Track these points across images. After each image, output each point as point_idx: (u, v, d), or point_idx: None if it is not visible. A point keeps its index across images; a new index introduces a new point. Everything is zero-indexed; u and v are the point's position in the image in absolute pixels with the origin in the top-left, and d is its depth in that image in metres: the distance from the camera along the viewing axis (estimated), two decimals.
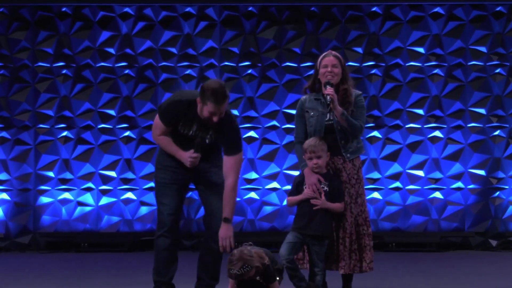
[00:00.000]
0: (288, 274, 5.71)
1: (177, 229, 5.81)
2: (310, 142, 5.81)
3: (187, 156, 5.62)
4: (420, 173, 10.77)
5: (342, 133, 5.91)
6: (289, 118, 10.69)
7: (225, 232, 5.54)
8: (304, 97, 6.09)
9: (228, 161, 5.60)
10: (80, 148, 10.90)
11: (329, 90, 5.82)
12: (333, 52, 6.05)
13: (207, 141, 5.63)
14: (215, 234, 5.60)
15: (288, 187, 9.97)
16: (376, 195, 10.75)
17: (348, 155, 5.93)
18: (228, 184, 5.57)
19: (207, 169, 5.73)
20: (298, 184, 5.92)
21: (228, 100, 5.44)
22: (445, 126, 10.80)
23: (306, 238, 5.80)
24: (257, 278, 5.32)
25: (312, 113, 5.96)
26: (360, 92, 6.08)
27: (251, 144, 10.85)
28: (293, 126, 6.21)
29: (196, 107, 5.49)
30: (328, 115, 5.93)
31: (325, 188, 5.81)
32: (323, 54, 6.04)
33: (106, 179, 10.87)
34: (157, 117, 5.69)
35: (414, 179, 10.77)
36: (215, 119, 5.42)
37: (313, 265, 5.82)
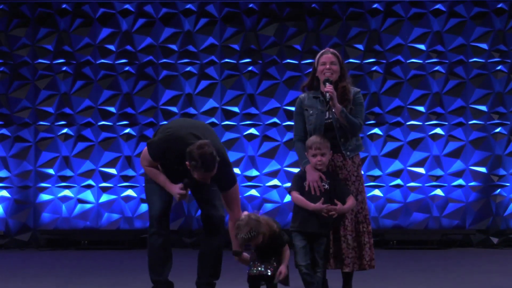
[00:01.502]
0: (304, 280, 5.67)
1: (167, 225, 5.78)
2: (314, 139, 5.77)
3: (176, 191, 5.52)
4: (421, 170, 10.75)
5: (341, 131, 5.88)
6: (289, 115, 10.66)
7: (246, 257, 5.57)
8: (302, 95, 6.05)
9: (226, 196, 5.55)
10: (80, 145, 10.89)
11: (328, 87, 5.79)
12: (331, 50, 6.02)
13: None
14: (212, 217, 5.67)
15: (289, 184, 9.94)
16: (377, 192, 10.73)
17: (348, 152, 5.90)
18: (235, 217, 5.50)
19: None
20: (300, 179, 5.87)
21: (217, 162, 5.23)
22: (446, 123, 10.78)
23: (306, 236, 5.78)
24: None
25: (311, 111, 5.93)
26: (359, 90, 6.04)
27: (252, 141, 10.83)
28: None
29: (185, 157, 5.27)
30: (327, 113, 5.89)
31: (326, 186, 5.79)
32: (321, 52, 6.01)
33: (107, 176, 10.86)
34: (145, 149, 5.60)
35: (415, 176, 10.75)
36: (207, 181, 5.34)
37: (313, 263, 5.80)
